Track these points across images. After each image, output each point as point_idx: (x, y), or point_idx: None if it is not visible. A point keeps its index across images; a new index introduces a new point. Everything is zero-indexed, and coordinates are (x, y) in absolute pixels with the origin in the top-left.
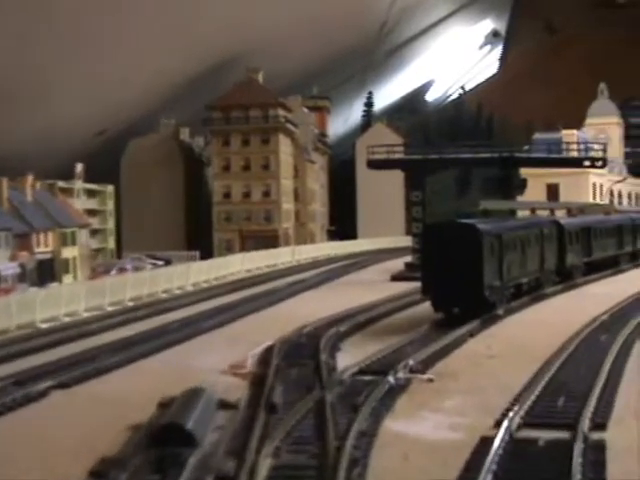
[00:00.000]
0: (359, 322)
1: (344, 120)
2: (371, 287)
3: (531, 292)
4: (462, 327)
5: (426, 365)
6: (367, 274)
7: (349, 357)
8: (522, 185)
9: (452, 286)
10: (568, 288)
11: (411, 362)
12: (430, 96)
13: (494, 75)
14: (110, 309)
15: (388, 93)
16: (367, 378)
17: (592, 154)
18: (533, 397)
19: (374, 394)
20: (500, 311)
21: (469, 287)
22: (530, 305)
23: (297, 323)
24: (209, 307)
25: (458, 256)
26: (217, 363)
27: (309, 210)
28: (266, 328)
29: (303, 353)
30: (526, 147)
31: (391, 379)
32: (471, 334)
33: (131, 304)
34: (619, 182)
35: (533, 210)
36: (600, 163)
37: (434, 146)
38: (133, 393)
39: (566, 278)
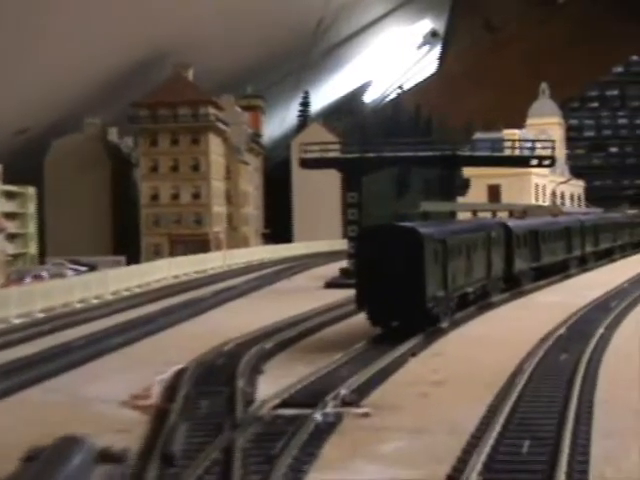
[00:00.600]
0: (288, 337)
1: (280, 121)
2: (304, 295)
3: (477, 302)
4: (403, 344)
5: (361, 394)
6: (300, 280)
7: (272, 383)
8: (465, 185)
9: (390, 297)
10: (516, 296)
11: (343, 391)
12: (368, 97)
13: (433, 75)
14: (17, 322)
15: (325, 94)
16: (290, 412)
17: (539, 152)
18: (491, 440)
19: (297, 437)
20: (444, 324)
21: (409, 298)
22: (477, 316)
23: (219, 339)
24: (125, 319)
25: (397, 263)
26: (119, 391)
27: (242, 213)
28: (183, 345)
29: (219, 378)
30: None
31: (318, 416)
32: (413, 353)
33: (41, 316)
34: (563, 183)
35: (475, 212)
36: (548, 162)
37: (371, 144)
38: None
39: (514, 285)
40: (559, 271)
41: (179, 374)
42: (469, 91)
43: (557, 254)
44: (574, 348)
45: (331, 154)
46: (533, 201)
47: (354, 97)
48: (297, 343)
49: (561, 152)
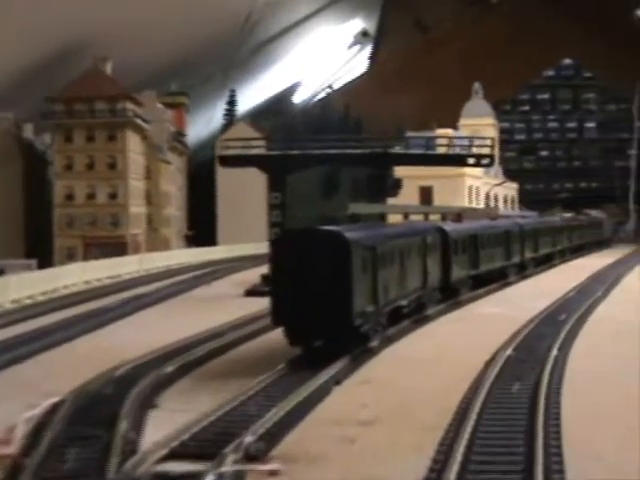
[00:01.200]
0: (195, 357)
1: (207, 120)
2: (222, 304)
3: (412, 315)
4: (325, 369)
5: (271, 441)
6: (221, 286)
7: (164, 422)
8: (397, 185)
9: (311, 313)
10: (454, 307)
11: (247, 439)
12: (298, 98)
13: (363, 75)
14: None
15: (254, 94)
16: (177, 469)
17: (477, 151)
18: None
19: None
20: (374, 343)
21: (333, 314)
22: (411, 332)
23: (114, 359)
24: (14, 334)
25: (319, 274)
26: None
27: (163, 214)
28: (70, 368)
29: (99, 416)
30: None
31: (211, 478)
32: (337, 381)
33: None
34: (498, 185)
35: (407, 215)
36: (487, 161)
37: (296, 141)
38: None
39: (451, 295)
40: (498, 279)
41: (52, 410)
42: (401, 91)
43: (496, 260)
44: (527, 375)
45: (253, 151)
46: (467, 204)
47: (283, 98)
48: (205, 365)
49: (496, 153)
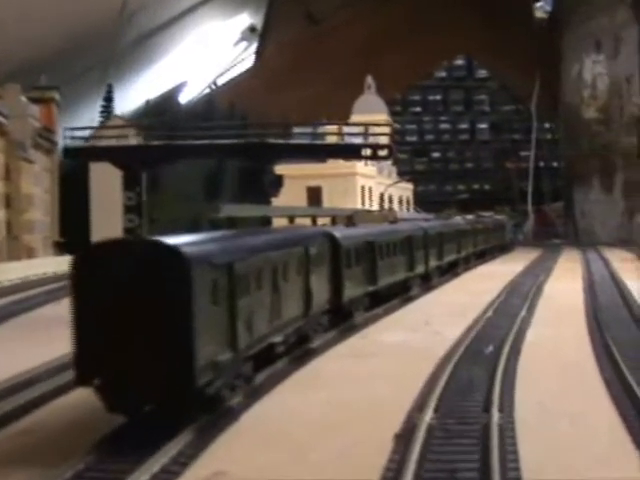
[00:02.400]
0: None
1: (86, 118)
2: (58, 331)
3: (290, 352)
4: (159, 451)
5: None
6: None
7: None
8: (277, 183)
9: (134, 366)
10: (347, 335)
11: None
12: (183, 98)
13: (249, 70)
14: None
15: (136, 92)
16: None
17: (372, 141)
18: None
19: None
20: (231, 405)
21: (167, 368)
22: (287, 378)
23: None
24: None
25: (143, 308)
26: None
27: (25, 219)
28: None
29: None
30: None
31: None
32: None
33: None
34: (393, 185)
35: (292, 219)
36: (385, 152)
37: (159, 130)
38: None
39: (343, 319)
40: (399, 294)
41: None
42: (289, 86)
43: (397, 273)
44: (463, 467)
45: (102, 142)
46: (360, 205)
47: (168, 97)
48: None
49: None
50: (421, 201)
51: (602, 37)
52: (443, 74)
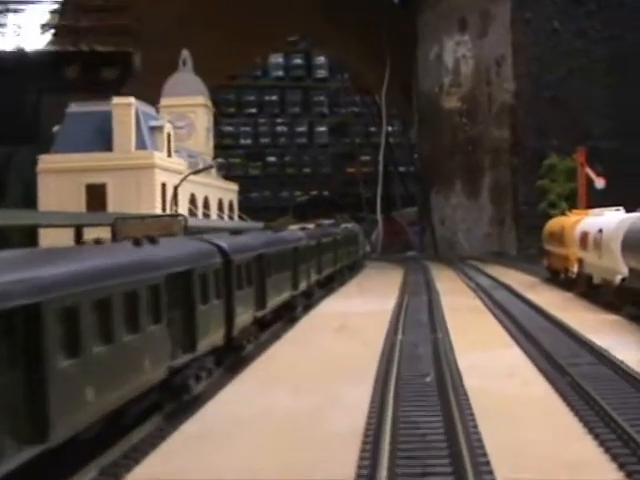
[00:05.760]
0: None
1: None
2: None
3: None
4: None
5: None
6: None
7: None
8: None
9: None
10: (234, 372)
11: None
12: None
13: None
14: None
15: None
16: None
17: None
18: None
19: None
20: None
21: None
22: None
23: None
24: None
25: None
26: None
27: None
28: None
29: None
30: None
31: None
32: None
33: None
34: (196, 173)
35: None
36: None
37: None
38: None
39: (230, 354)
40: (282, 317)
41: None
42: None
43: (283, 292)
44: None
45: None
46: (158, 208)
47: None
48: None
49: (207, 145)
50: (253, 208)
51: (467, 14)
52: (280, 73)
